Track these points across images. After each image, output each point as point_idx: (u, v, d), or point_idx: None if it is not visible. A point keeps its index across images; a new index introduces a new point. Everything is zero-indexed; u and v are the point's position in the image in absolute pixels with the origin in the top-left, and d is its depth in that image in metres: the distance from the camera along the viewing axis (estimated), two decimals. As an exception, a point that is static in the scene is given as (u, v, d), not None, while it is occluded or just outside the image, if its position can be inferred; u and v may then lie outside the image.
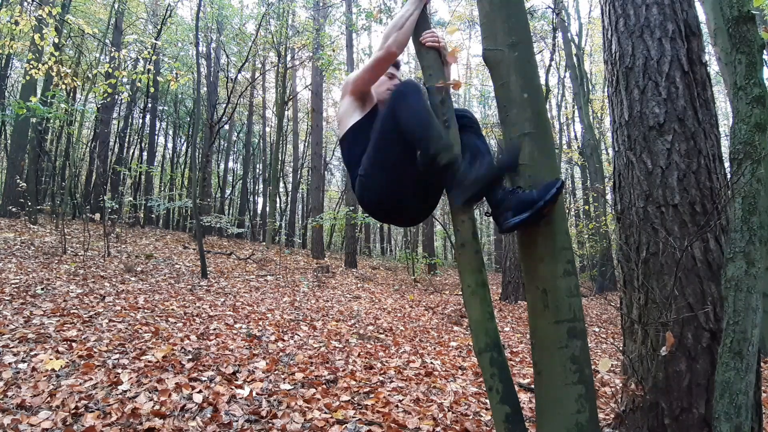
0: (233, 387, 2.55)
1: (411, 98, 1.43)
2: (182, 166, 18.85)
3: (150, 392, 2.34)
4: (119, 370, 2.56)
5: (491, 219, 1.49)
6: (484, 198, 1.50)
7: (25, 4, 9.08)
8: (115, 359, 2.73)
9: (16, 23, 6.55)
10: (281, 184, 19.98)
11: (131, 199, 12.55)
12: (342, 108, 1.74)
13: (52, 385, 2.29)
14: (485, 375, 1.35)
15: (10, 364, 2.49)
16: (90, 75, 11.17)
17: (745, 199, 1.33)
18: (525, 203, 1.31)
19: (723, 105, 17.24)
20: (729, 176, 1.75)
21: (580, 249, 13.20)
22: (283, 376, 2.84)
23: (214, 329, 3.78)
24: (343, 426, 2.24)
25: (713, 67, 7.61)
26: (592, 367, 1.56)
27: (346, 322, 4.85)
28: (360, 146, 1.64)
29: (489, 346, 1.35)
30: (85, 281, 4.98)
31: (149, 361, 2.76)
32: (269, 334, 3.85)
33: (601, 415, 2.46)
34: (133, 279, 5.61)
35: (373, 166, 1.56)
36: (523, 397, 2.91)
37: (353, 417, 2.36)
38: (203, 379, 2.62)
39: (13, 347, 2.72)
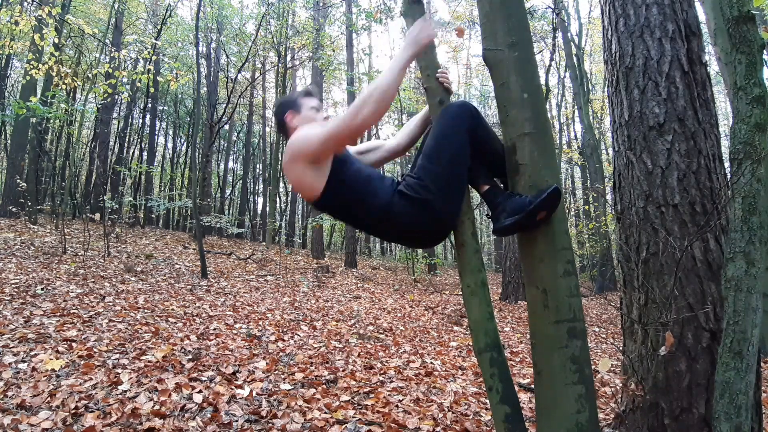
0: (233, 387, 2.55)
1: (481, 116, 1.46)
2: (182, 166, 18.85)
3: (150, 392, 2.33)
4: (119, 370, 2.56)
5: (491, 221, 1.49)
6: (484, 199, 1.51)
7: (25, 4, 9.07)
8: (115, 359, 2.73)
9: (16, 23, 6.55)
10: (281, 184, 19.94)
11: (131, 199, 12.53)
12: (299, 175, 1.45)
13: (52, 385, 2.29)
14: (485, 375, 1.35)
15: (10, 364, 2.49)
16: (90, 75, 11.17)
17: (745, 199, 1.33)
18: (518, 207, 1.33)
19: (723, 105, 17.24)
20: (729, 176, 1.75)
21: (580, 249, 13.20)
22: (283, 376, 2.84)
23: (214, 329, 3.78)
24: (343, 426, 2.24)
25: (713, 67, 7.61)
26: (592, 367, 1.56)
27: (346, 322, 4.85)
28: (349, 187, 1.45)
29: (489, 346, 1.35)
30: (85, 281, 4.98)
31: (149, 361, 2.76)
32: (269, 334, 3.85)
33: (601, 415, 2.46)
34: (133, 279, 5.61)
35: (446, 184, 1.40)
36: (523, 397, 2.91)
37: (353, 417, 2.36)
38: (203, 379, 2.62)
39: (13, 347, 2.72)
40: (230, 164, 22.63)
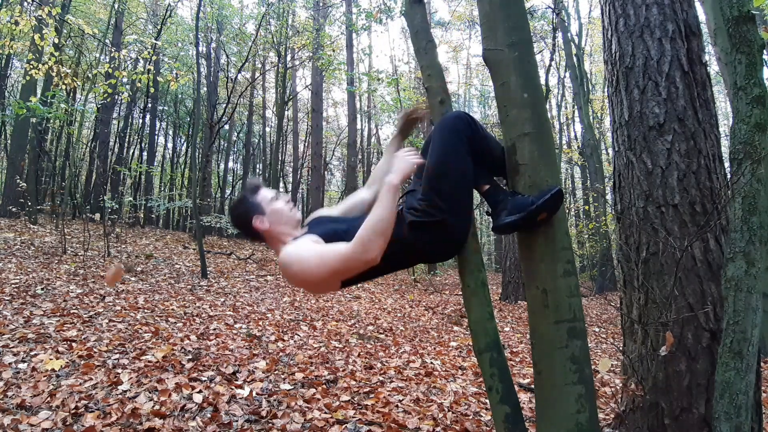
0: (233, 387, 2.55)
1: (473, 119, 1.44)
2: (182, 166, 18.83)
3: (150, 392, 2.33)
4: (119, 370, 2.56)
5: (491, 219, 1.49)
6: (485, 198, 1.51)
7: (25, 4, 9.07)
8: (115, 359, 2.73)
9: (16, 23, 6.54)
10: (281, 184, 19.97)
11: (131, 199, 12.51)
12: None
13: (52, 385, 2.29)
14: (485, 375, 1.35)
15: (10, 364, 2.49)
16: (90, 75, 11.16)
17: (745, 199, 1.33)
18: (519, 206, 1.33)
19: (723, 105, 17.23)
20: (729, 176, 1.75)
21: (580, 249, 13.20)
22: (283, 376, 2.84)
23: (214, 329, 3.78)
24: (343, 426, 2.24)
25: (713, 67, 7.60)
26: (592, 367, 1.56)
27: (346, 322, 4.85)
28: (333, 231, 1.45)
29: (489, 346, 1.35)
30: (85, 281, 4.98)
31: (149, 361, 2.76)
32: (269, 334, 3.85)
33: (601, 415, 2.46)
34: (133, 279, 5.61)
35: (457, 199, 1.40)
36: (523, 397, 2.91)
37: (353, 417, 2.36)
38: (203, 379, 2.62)
39: (13, 347, 2.72)
40: (230, 164, 22.61)
